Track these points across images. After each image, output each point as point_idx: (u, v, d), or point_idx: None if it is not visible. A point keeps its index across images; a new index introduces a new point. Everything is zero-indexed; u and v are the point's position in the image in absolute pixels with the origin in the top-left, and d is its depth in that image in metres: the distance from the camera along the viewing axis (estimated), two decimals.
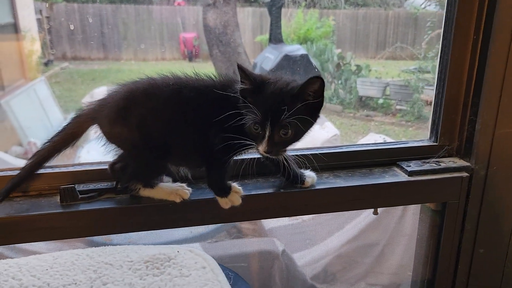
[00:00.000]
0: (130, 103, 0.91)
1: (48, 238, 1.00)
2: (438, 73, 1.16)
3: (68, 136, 0.96)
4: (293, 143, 0.93)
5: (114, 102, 0.92)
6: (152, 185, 0.97)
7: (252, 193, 1.03)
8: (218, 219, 1.08)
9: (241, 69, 0.88)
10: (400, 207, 1.46)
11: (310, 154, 1.14)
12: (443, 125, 1.17)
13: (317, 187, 1.07)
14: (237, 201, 0.98)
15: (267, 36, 5.92)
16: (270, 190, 1.05)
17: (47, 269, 0.64)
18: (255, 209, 1.05)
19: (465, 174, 1.13)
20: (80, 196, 0.99)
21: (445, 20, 1.12)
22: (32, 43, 4.41)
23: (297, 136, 0.91)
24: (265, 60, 5.07)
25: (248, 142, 0.89)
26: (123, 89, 0.93)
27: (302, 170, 1.06)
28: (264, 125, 0.87)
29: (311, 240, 1.69)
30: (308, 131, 0.93)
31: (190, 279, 0.63)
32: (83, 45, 5.23)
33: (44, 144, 0.96)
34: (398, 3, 6.69)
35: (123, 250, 0.70)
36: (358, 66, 5.95)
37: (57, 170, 1.04)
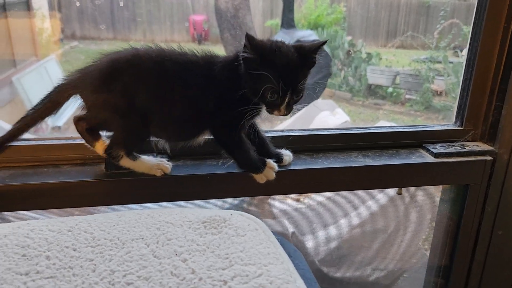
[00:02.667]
0: (113, 71, 0.92)
1: (93, 203, 1.07)
2: (467, 59, 1.21)
3: (51, 104, 0.98)
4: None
5: (97, 70, 0.94)
6: (134, 157, 1.00)
7: (290, 168, 1.09)
8: (254, 192, 1.14)
9: (249, 39, 0.90)
10: (409, 194, 1.51)
11: (338, 133, 1.22)
12: (469, 110, 1.22)
13: (347, 165, 1.13)
14: (271, 176, 1.03)
15: (277, 21, 5.92)
16: (304, 166, 1.11)
17: (114, 225, 0.70)
18: (288, 184, 1.11)
19: (489, 157, 1.19)
20: None
21: (476, 7, 1.16)
22: (43, 21, 4.43)
23: (303, 95, 0.98)
24: None
25: (257, 109, 0.95)
26: (105, 59, 0.95)
27: (278, 150, 1.11)
28: (284, 93, 0.92)
29: (318, 224, 1.74)
30: None
31: (246, 238, 0.69)
32: (93, 25, 5.26)
33: (29, 111, 0.98)
34: None
35: (180, 212, 0.76)
36: (368, 54, 5.95)
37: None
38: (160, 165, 1.02)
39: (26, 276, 0.59)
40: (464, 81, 1.22)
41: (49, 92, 0.98)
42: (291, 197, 1.97)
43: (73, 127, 1.01)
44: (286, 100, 0.93)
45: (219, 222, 0.72)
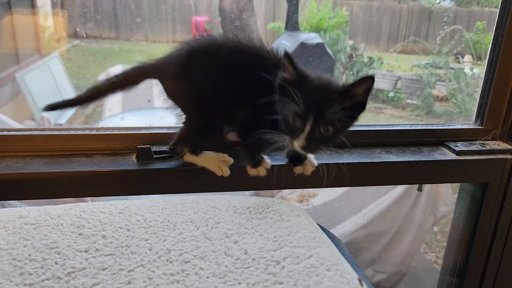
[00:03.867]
0: (191, 61, 0.95)
1: (124, 193, 1.09)
2: (489, 60, 1.24)
3: (127, 81, 1.00)
4: (329, 142, 0.89)
5: (177, 58, 0.96)
6: (197, 152, 1.01)
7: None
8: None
9: (288, 57, 0.85)
10: (412, 197, 1.53)
11: (362, 130, 1.25)
12: (489, 110, 1.26)
13: (371, 160, 1.16)
14: (263, 172, 1.01)
15: (279, 23, 5.97)
16: (329, 161, 1.13)
17: (162, 209, 0.73)
18: (312, 178, 1.14)
19: (509, 156, 1.22)
20: (154, 156, 1.08)
21: (500, 10, 1.20)
22: (45, 19, 4.45)
23: (335, 135, 0.88)
24: (280, 47, 5.10)
25: (277, 135, 0.87)
26: (185, 47, 0.96)
27: (308, 156, 1.06)
28: (306, 117, 0.84)
29: (322, 225, 1.76)
30: (345, 132, 0.90)
31: (290, 223, 0.71)
32: (95, 24, 5.28)
33: (103, 81, 1.01)
34: None
35: (223, 198, 0.78)
36: (370, 58, 6.00)
37: (131, 131, 1.12)
38: (222, 164, 1.00)
39: (86, 253, 0.61)
40: (485, 81, 1.26)
41: (126, 70, 1.00)
42: (295, 198, 2.00)
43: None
44: (308, 127, 0.84)
45: (263, 208, 0.75)
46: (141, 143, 1.10)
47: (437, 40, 5.89)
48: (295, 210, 0.76)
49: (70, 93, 4.48)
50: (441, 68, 5.64)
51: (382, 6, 6.59)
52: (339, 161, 1.15)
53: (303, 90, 0.84)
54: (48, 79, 4.37)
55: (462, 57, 5.65)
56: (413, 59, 6.01)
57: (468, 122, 1.33)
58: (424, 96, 5.44)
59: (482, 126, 1.28)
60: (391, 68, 6.07)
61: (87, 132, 1.12)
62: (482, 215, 1.29)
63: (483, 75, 1.30)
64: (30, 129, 1.11)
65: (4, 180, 1.00)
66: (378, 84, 5.79)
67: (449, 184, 1.53)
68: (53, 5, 4.60)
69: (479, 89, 1.29)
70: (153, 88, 1.09)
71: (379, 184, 1.25)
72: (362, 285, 0.61)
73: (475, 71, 5.33)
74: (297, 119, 0.85)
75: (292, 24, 5.34)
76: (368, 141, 1.24)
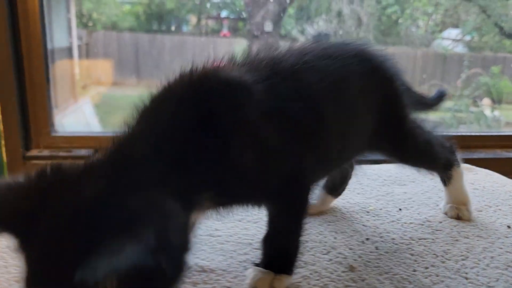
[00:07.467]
0: None
1: None
2: None
3: None
4: None
5: None
6: None
7: None
8: None
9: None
10: None
11: (482, 135, 1.65)
12: None
13: (496, 156, 1.55)
14: None
15: None
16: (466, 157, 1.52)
17: None
18: None
19: None
20: None
21: None
22: (74, 67, 4.90)
23: None
24: None
25: None
26: None
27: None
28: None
29: None
30: None
31: None
32: (118, 71, 5.71)
33: None
34: (426, 42, 7.29)
35: None
36: None
37: None
38: None
39: None
40: None
41: None
42: None
43: None
44: None
45: None
46: None
47: (457, 83, 6.36)
48: None
49: None
50: (461, 111, 6.08)
51: (397, 52, 7.11)
52: (470, 157, 1.54)
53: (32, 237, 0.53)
54: (82, 123, 4.74)
55: (480, 100, 6.09)
56: None
57: None
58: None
59: None
60: None
61: None
62: None
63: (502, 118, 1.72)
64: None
65: None
66: None
67: None
68: (80, 55, 5.08)
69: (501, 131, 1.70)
70: None
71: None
72: None
73: (495, 113, 5.75)
74: None
75: None
76: (486, 144, 1.64)
